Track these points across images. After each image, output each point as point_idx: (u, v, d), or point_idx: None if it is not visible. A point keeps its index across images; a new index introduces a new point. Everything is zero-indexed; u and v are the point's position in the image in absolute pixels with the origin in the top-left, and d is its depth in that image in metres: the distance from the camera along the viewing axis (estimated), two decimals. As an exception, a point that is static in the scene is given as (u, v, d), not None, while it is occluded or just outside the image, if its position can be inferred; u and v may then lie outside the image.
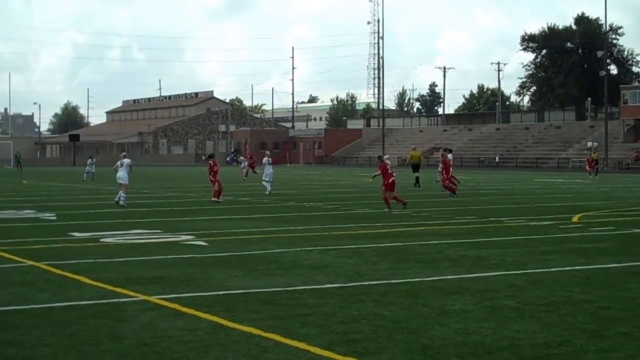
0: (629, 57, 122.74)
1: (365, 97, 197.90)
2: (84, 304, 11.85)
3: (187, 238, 20.48)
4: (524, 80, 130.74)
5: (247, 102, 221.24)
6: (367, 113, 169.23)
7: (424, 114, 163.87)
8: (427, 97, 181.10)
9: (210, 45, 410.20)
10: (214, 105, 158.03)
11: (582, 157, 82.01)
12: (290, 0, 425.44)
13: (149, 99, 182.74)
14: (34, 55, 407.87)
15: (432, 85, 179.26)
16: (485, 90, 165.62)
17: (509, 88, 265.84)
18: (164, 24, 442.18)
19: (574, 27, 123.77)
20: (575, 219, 26.12)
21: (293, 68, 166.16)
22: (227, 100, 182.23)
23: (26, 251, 17.81)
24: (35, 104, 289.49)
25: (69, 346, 9.41)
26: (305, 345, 9.32)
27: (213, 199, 34.49)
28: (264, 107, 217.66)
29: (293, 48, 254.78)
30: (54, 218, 26.74)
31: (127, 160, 33.22)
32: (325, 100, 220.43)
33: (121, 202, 31.81)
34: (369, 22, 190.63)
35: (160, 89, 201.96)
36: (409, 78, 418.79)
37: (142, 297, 12.33)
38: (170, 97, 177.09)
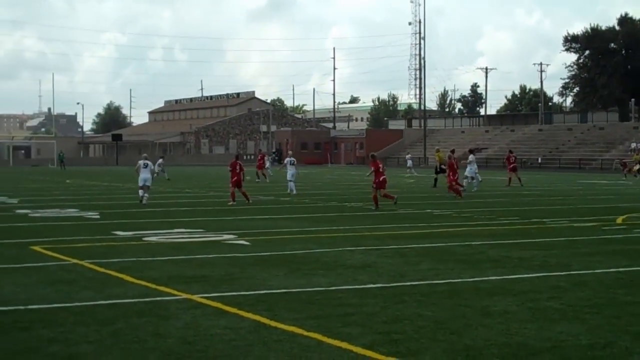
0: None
1: (406, 97, 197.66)
2: (128, 302, 11.92)
3: (229, 237, 20.54)
4: (567, 81, 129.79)
5: (288, 103, 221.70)
6: (409, 114, 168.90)
7: (465, 114, 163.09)
8: (469, 98, 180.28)
9: (252, 45, 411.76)
10: (256, 105, 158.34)
11: (625, 158, 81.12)
12: (331, 0, 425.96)
13: (191, 99, 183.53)
14: (77, 56, 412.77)
15: (474, 86, 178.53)
16: (527, 91, 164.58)
17: (552, 89, 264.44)
18: (205, 24, 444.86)
19: (617, 27, 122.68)
20: (619, 220, 25.89)
21: (334, 68, 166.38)
22: (269, 101, 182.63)
23: (70, 249, 17.95)
24: (78, 104, 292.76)
25: (112, 344, 9.47)
26: (347, 345, 9.31)
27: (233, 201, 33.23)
28: (305, 108, 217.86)
29: (334, 48, 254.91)
30: (98, 217, 26.93)
31: (150, 163, 34.27)
32: (367, 100, 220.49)
33: (143, 201, 32.90)
34: (410, 23, 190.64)
35: (202, 89, 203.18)
36: (450, 79, 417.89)
37: (184, 295, 12.38)
38: (211, 97, 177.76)
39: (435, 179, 46.48)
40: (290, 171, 41.25)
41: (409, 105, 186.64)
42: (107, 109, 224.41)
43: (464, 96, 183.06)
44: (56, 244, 18.91)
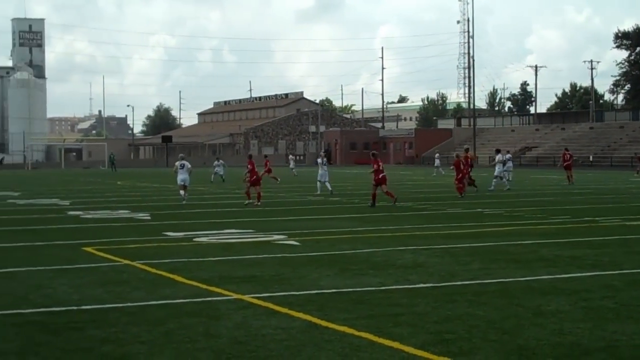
0: None
1: (455, 96, 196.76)
2: (179, 302, 11.98)
3: (279, 238, 20.57)
4: (618, 78, 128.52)
5: (336, 103, 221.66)
6: (458, 113, 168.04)
7: (515, 113, 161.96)
8: (519, 96, 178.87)
9: (300, 46, 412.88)
10: (304, 106, 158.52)
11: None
12: (379, 0, 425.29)
13: (240, 100, 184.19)
14: (127, 59, 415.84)
15: (524, 84, 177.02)
16: (578, 88, 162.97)
17: (603, 86, 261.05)
18: (254, 25, 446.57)
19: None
20: (672, 218, 25.56)
21: (383, 68, 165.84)
22: (317, 101, 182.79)
23: (121, 250, 18.08)
24: (128, 106, 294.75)
25: (164, 343, 9.52)
26: (398, 345, 9.28)
27: (254, 202, 33.55)
28: (353, 108, 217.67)
29: (383, 48, 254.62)
30: (149, 218, 27.11)
31: (187, 164, 35.00)
32: (415, 100, 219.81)
33: (183, 202, 33.77)
34: (458, 22, 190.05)
35: (250, 90, 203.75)
36: (499, 77, 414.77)
37: (235, 295, 12.41)
38: (260, 98, 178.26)
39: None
40: (320, 171, 41.16)
41: (458, 104, 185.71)
42: (157, 110, 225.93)
43: (513, 94, 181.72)
44: (108, 245, 19.07)
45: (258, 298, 12.16)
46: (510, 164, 46.62)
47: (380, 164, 32.27)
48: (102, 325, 10.48)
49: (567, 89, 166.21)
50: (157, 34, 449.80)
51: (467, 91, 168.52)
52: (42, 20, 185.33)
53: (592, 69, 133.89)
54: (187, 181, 34.64)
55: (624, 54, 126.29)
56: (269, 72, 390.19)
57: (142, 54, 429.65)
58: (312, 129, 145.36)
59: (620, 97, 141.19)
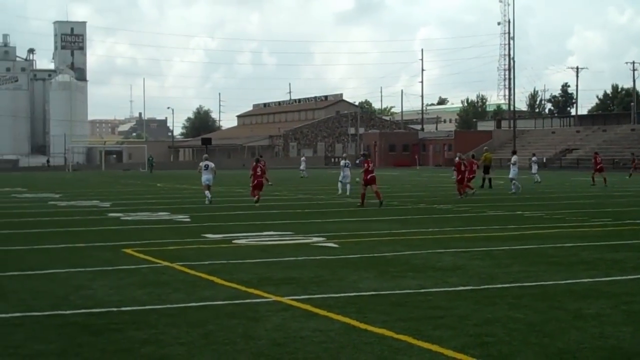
0: None
1: (495, 98, 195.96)
2: (218, 304, 12.00)
3: (318, 240, 20.56)
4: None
5: (376, 105, 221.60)
6: (498, 114, 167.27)
7: (556, 115, 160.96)
8: (559, 98, 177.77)
9: (339, 48, 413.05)
10: (343, 108, 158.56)
11: None
12: (419, 2, 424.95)
13: (279, 103, 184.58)
14: (167, 61, 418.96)
15: (564, 86, 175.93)
16: (619, 90, 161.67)
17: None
18: (293, 28, 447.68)
19: None
20: None
21: (422, 70, 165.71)
22: (356, 103, 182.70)
23: (161, 252, 18.16)
24: (168, 108, 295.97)
25: (204, 345, 9.54)
26: (438, 348, 9.24)
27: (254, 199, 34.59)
28: (393, 110, 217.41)
29: (422, 50, 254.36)
30: (188, 220, 27.20)
31: (211, 164, 36.01)
32: (455, 102, 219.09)
33: (207, 202, 34.83)
34: (499, 23, 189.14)
35: (290, 92, 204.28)
36: (540, 79, 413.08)
37: (274, 297, 12.41)
38: (299, 100, 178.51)
39: (484, 179, 46.86)
40: (342, 173, 41.16)
41: (498, 106, 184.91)
42: (197, 113, 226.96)
43: (554, 96, 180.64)
44: (148, 247, 19.15)
45: (297, 300, 12.16)
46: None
47: (370, 164, 33.24)
48: (142, 326, 10.53)
49: (609, 91, 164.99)
50: (198, 36, 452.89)
51: (507, 93, 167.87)
52: (83, 23, 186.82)
53: (634, 70, 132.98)
54: (211, 180, 35.71)
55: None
56: (308, 74, 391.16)
57: (182, 57, 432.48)
58: (351, 131, 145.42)
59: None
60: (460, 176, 38.40)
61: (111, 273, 15.15)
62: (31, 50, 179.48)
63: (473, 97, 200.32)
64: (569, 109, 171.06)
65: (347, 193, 39.69)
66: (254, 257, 17.24)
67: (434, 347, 9.26)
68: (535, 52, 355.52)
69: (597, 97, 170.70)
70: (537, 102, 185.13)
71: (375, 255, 17.50)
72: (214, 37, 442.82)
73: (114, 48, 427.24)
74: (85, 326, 10.57)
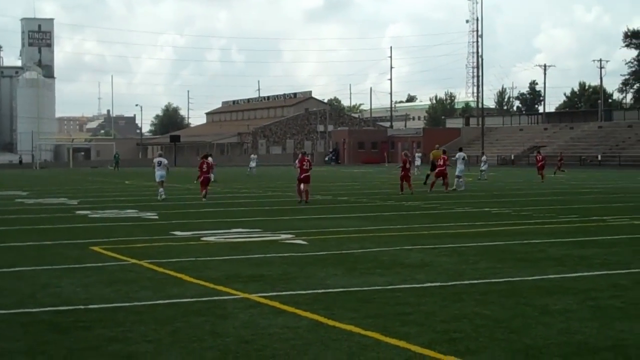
0: None
1: (464, 96, 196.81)
2: (186, 301, 11.97)
3: (287, 237, 20.55)
4: (627, 77, 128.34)
5: (345, 102, 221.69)
6: (466, 112, 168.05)
7: (524, 112, 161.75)
8: (527, 96, 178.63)
9: (308, 45, 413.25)
10: (312, 105, 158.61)
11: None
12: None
13: (248, 100, 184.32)
14: (136, 58, 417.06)
15: (532, 84, 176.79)
16: (586, 87, 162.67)
17: (612, 85, 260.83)
18: (262, 25, 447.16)
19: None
20: (681, 217, 25.49)
21: (391, 67, 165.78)
22: (325, 101, 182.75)
23: (129, 250, 18.09)
24: (137, 105, 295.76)
25: (171, 343, 9.52)
26: (405, 344, 9.26)
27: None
28: (362, 107, 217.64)
29: (391, 47, 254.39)
30: (156, 217, 27.11)
31: (164, 161, 36.61)
32: (424, 99, 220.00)
33: (160, 198, 35.21)
34: (467, 21, 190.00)
35: (259, 89, 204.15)
36: (508, 76, 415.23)
37: (242, 295, 12.40)
38: (268, 97, 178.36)
39: (427, 175, 46.68)
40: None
41: (467, 104, 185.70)
42: (165, 110, 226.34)
43: (522, 94, 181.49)
44: (115, 245, 19.08)
45: (265, 297, 12.15)
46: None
47: (304, 162, 33.40)
48: (110, 324, 10.49)
49: (576, 88, 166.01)
50: (166, 33, 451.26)
51: (475, 90, 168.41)
52: (51, 20, 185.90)
53: (601, 68, 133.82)
54: (165, 177, 36.23)
55: (633, 52, 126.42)
56: (278, 71, 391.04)
57: (150, 54, 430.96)
58: (321, 128, 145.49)
59: (629, 96, 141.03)
60: (403, 172, 39.19)
61: (79, 271, 15.07)
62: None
63: (442, 95, 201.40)
64: (536, 106, 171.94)
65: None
66: (223, 255, 17.22)
67: (402, 344, 9.28)
68: (503, 50, 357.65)
69: (565, 94, 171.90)
70: (505, 100, 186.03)
71: (344, 252, 17.50)
72: (183, 34, 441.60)
73: (81, 45, 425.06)
74: (52, 324, 10.51)
